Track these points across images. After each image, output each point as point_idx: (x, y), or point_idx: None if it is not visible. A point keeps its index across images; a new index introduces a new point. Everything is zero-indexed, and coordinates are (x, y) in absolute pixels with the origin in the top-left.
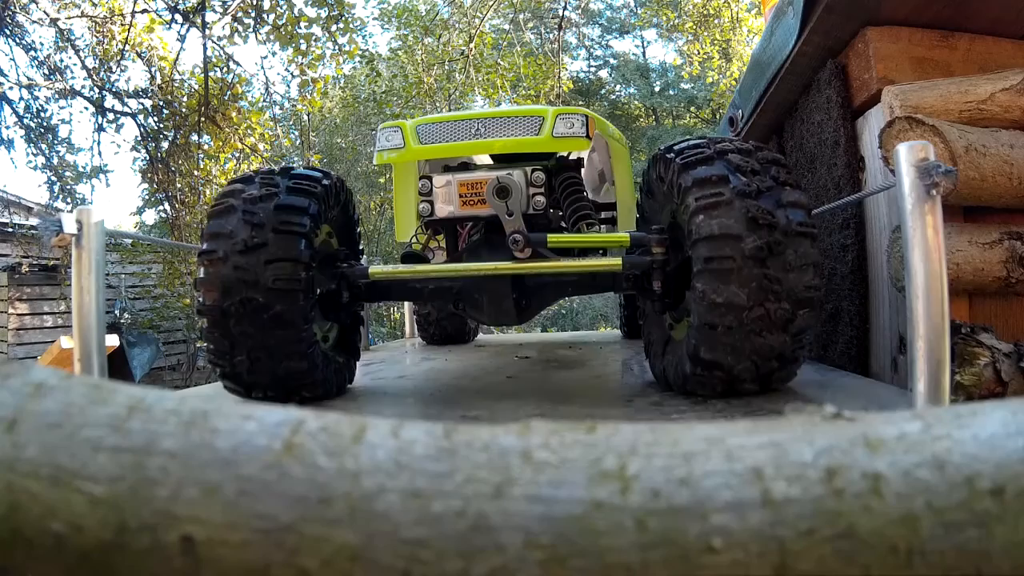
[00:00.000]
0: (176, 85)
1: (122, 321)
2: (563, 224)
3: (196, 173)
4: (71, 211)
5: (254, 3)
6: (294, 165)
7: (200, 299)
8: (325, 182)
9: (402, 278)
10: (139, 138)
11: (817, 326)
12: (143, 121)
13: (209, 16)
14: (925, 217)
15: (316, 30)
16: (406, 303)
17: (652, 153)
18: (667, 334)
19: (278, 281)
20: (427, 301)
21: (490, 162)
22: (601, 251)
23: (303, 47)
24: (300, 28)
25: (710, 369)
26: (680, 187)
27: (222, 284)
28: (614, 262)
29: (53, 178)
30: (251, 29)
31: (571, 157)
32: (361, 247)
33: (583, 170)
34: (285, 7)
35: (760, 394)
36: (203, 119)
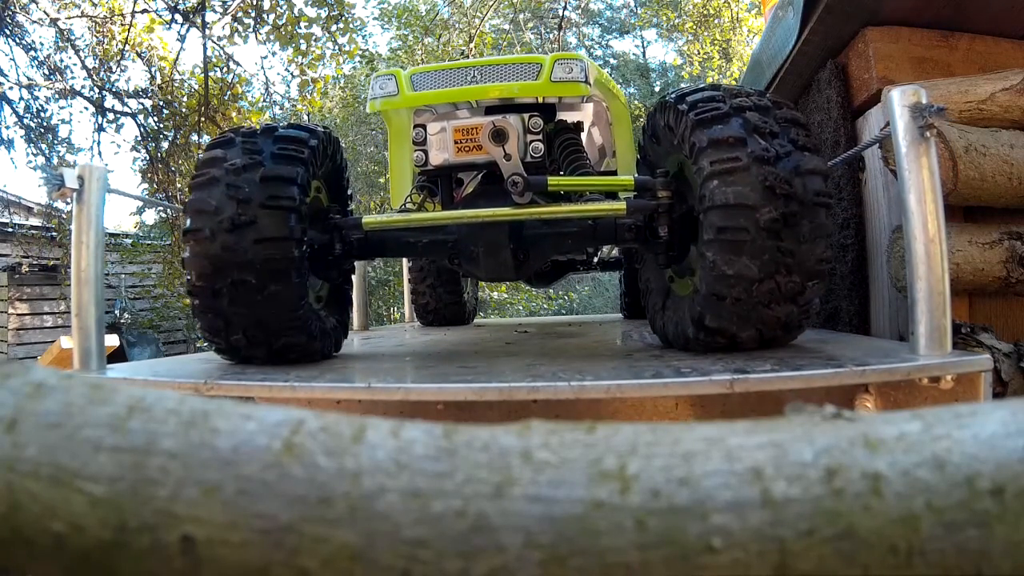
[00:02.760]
0: (176, 85)
1: (122, 321)
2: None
3: None
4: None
5: (254, 3)
6: (277, 124)
7: (188, 277)
8: (312, 143)
9: (396, 226)
10: (139, 138)
11: (823, 292)
12: (143, 121)
13: (209, 16)
14: (920, 159)
15: (316, 30)
16: (407, 300)
17: (661, 99)
18: (667, 285)
19: (270, 262)
20: (422, 255)
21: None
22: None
23: (303, 47)
24: (300, 28)
25: (713, 335)
26: (693, 145)
27: (211, 264)
28: (618, 205)
29: None
30: (251, 29)
31: (570, 121)
32: (351, 208)
33: (583, 135)
34: (285, 7)
35: (760, 348)
36: (203, 119)
